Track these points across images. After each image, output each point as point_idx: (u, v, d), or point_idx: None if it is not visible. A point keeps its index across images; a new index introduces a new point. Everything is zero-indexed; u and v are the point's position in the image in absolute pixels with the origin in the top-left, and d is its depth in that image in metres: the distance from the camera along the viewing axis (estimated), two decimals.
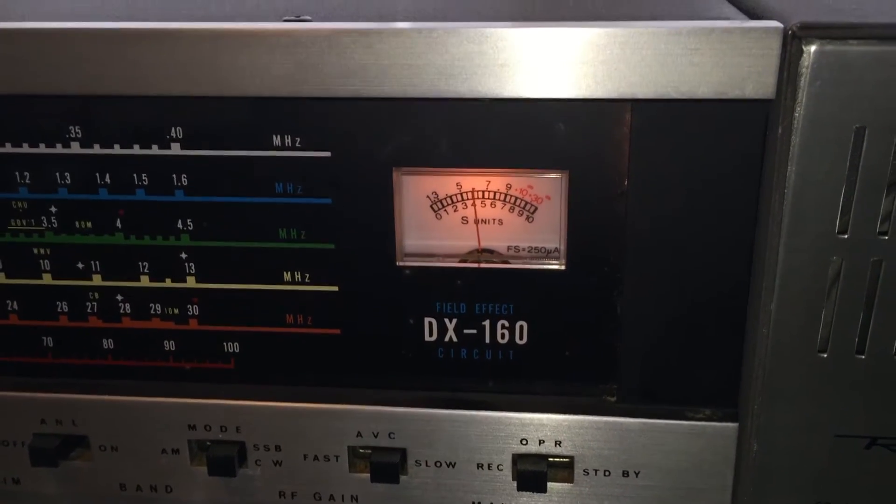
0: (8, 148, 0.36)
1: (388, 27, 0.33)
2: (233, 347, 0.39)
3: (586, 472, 0.38)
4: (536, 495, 0.38)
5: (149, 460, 0.40)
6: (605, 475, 0.38)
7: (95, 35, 0.34)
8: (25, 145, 0.36)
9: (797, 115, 0.31)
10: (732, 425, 0.37)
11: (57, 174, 0.37)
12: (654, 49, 0.32)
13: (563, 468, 0.38)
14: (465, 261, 0.37)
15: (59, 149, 0.36)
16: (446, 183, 0.36)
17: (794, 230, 0.33)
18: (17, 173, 0.37)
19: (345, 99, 0.34)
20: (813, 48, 0.31)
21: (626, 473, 0.38)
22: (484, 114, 0.35)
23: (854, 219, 0.33)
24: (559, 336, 0.37)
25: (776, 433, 0.36)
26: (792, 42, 0.31)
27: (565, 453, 0.38)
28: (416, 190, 0.37)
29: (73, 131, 0.36)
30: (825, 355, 0.35)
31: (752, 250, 0.34)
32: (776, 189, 0.33)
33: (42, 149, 0.36)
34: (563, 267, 0.37)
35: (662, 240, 0.35)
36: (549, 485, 0.38)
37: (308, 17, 0.35)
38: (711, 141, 0.33)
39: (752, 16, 0.34)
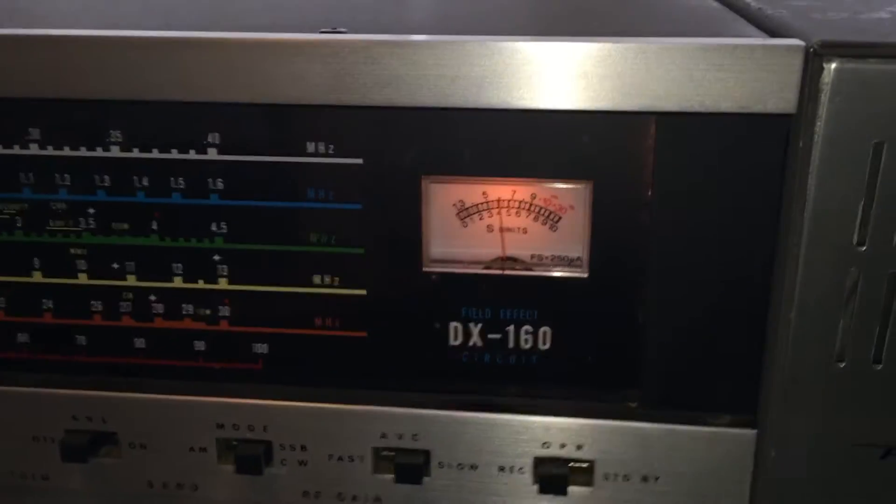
0: (50, 151, 0.38)
1: (423, 39, 0.34)
2: (261, 348, 0.40)
3: (606, 477, 0.39)
4: (557, 498, 0.39)
5: (176, 458, 0.41)
6: (624, 480, 0.39)
7: (137, 43, 0.35)
8: (66, 148, 0.38)
9: (817, 129, 0.33)
10: (751, 432, 0.37)
11: (96, 177, 0.38)
12: (679, 64, 0.33)
13: (584, 472, 0.39)
14: (489, 268, 0.38)
15: (99, 152, 0.37)
16: (473, 191, 0.37)
17: (813, 242, 0.34)
18: (57, 175, 0.38)
19: (378, 108, 0.35)
20: (833, 65, 0.32)
21: (645, 478, 0.38)
22: (511, 124, 0.36)
23: (872, 231, 0.34)
24: (582, 342, 0.38)
25: (794, 440, 0.37)
26: (813, 59, 0.32)
27: (586, 457, 0.39)
28: (443, 198, 0.38)
29: (113, 135, 0.37)
30: (843, 364, 0.35)
31: (773, 261, 0.35)
32: (796, 201, 0.34)
33: (83, 152, 0.38)
34: (585, 275, 0.37)
35: (684, 249, 0.36)
36: (570, 488, 0.39)
37: (344, 29, 0.36)
38: (734, 153, 0.34)
39: (773, 34, 0.35)
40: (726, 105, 0.33)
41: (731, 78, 0.32)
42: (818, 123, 0.32)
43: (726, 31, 0.37)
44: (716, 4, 0.45)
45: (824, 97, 0.32)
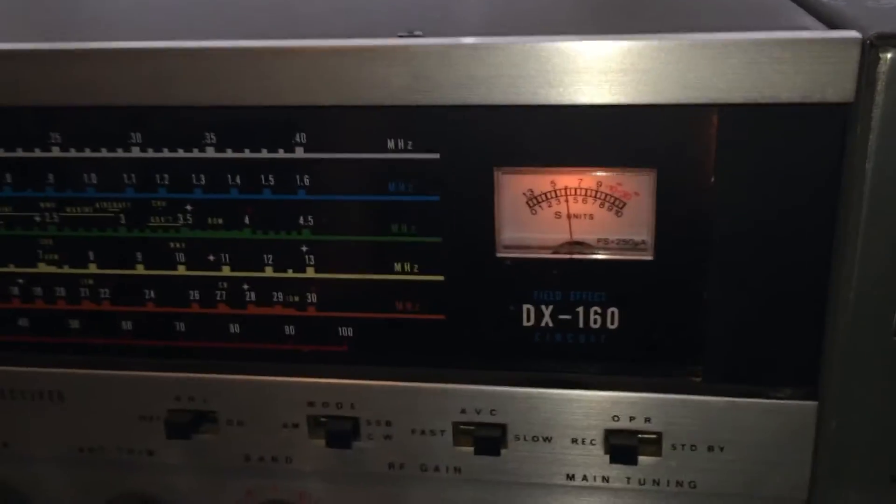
0: (150, 153, 0.41)
1: (496, 42, 0.36)
2: (347, 332, 0.43)
3: (674, 447, 0.41)
4: (627, 468, 0.41)
5: (271, 434, 0.44)
6: (691, 450, 0.41)
7: (230, 53, 0.38)
8: (166, 150, 0.41)
9: (874, 116, 0.34)
10: (812, 403, 0.39)
11: (193, 176, 0.41)
12: (740, 58, 0.34)
13: (652, 443, 0.41)
14: (557, 252, 0.41)
15: (195, 153, 0.40)
16: (541, 181, 0.40)
17: (870, 222, 0.36)
18: (157, 175, 0.41)
19: (454, 106, 0.37)
20: (889, 56, 0.33)
21: (711, 448, 0.41)
22: (578, 118, 0.38)
23: None
24: (648, 321, 0.40)
25: (854, 411, 0.39)
26: (870, 50, 0.34)
27: (654, 429, 0.41)
28: (514, 188, 0.40)
29: (208, 137, 0.40)
30: None
31: (832, 241, 0.37)
32: (855, 184, 0.35)
33: (180, 153, 0.41)
34: (651, 258, 0.40)
35: (746, 231, 0.37)
36: (639, 458, 0.41)
37: (420, 33, 0.38)
38: (794, 140, 0.36)
39: (830, 25, 0.37)
40: (786, 95, 0.35)
41: (790, 70, 0.34)
42: (875, 111, 0.34)
43: (784, 22, 0.39)
44: None
45: (880, 86, 0.34)
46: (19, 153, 0.42)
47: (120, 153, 0.41)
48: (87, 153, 0.41)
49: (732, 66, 0.35)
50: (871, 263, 0.36)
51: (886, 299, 0.37)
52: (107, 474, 0.47)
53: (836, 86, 0.34)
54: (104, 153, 0.41)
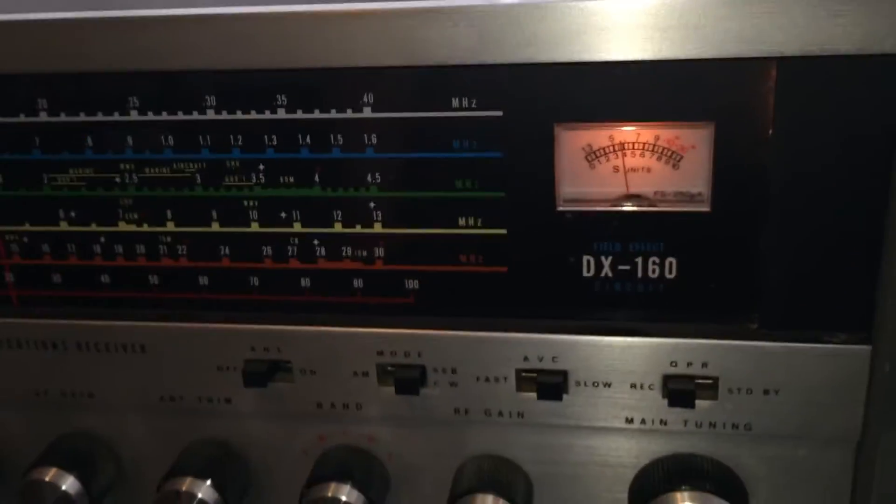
0: (224, 115, 0.43)
1: (559, 0, 0.37)
2: (413, 284, 0.44)
3: (730, 391, 0.42)
4: (684, 411, 0.43)
5: (342, 382, 0.46)
6: (747, 393, 0.42)
7: (301, 17, 0.39)
8: (239, 112, 0.42)
9: None
10: (866, 348, 0.40)
11: (265, 137, 0.43)
12: (799, 11, 0.35)
13: (709, 387, 0.42)
14: (615, 205, 0.42)
15: (267, 115, 0.42)
16: (600, 136, 0.41)
17: None
18: (231, 136, 0.43)
19: (518, 64, 0.39)
20: None
21: (766, 392, 0.42)
22: (637, 73, 0.39)
23: None
24: (705, 270, 0.42)
25: None
26: None
27: (711, 374, 0.42)
28: (573, 143, 0.41)
29: (280, 99, 0.42)
30: None
31: (888, 190, 0.38)
32: None
33: (253, 115, 0.42)
34: (708, 209, 0.41)
35: (803, 182, 0.38)
36: (696, 402, 0.42)
37: None
38: (852, 92, 0.37)
39: None
40: (845, 48, 0.35)
41: (849, 22, 0.35)
42: None
43: None
44: None
45: None
46: (100, 117, 0.44)
47: (195, 116, 0.43)
48: (164, 116, 0.43)
49: (791, 18, 0.35)
50: None
51: None
52: (186, 421, 0.50)
53: (893, 37, 0.35)
54: (180, 116, 0.43)
